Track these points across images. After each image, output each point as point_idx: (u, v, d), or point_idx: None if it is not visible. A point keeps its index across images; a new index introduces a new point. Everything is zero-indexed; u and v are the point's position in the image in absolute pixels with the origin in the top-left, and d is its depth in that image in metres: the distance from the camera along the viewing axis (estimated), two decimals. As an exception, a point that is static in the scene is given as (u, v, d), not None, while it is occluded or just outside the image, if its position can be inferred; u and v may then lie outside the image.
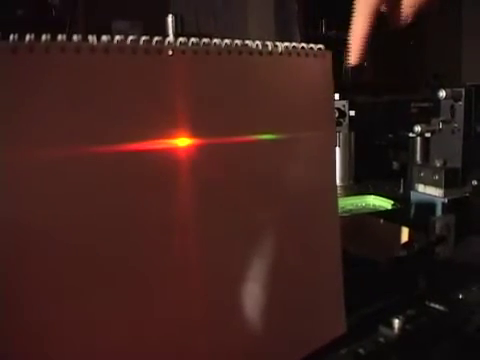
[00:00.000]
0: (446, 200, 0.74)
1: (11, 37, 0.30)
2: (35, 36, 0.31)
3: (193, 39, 0.37)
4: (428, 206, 0.76)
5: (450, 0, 3.51)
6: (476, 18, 3.40)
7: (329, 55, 0.44)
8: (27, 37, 0.31)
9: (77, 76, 0.33)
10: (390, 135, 1.48)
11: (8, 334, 0.31)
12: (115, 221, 0.34)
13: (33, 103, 0.31)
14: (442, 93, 0.77)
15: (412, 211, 0.80)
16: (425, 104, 1.64)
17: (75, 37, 0.32)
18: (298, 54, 0.42)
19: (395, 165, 1.29)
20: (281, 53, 0.41)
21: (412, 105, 1.70)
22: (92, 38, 0.33)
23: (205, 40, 0.37)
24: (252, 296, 0.41)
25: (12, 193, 0.31)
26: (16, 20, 2.52)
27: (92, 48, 0.33)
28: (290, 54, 0.41)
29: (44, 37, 0.31)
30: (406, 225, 0.69)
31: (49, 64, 0.31)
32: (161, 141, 0.35)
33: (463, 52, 3.58)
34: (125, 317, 0.35)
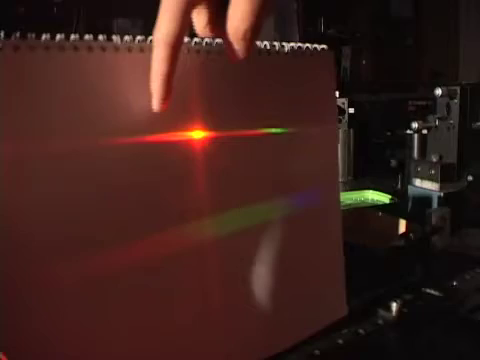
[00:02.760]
0: (442, 194, 0.77)
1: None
2: (51, 36, 0.34)
3: (207, 39, 0.40)
4: (424, 199, 0.79)
5: (448, 0, 3.54)
6: (474, 18, 3.43)
7: (331, 55, 0.47)
8: (57, 36, 0.34)
9: (98, 73, 0.36)
10: (388, 133, 1.51)
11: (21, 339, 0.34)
12: (133, 209, 0.37)
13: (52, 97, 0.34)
14: (438, 91, 0.80)
15: (409, 204, 0.83)
16: (423, 102, 1.67)
17: (101, 37, 0.35)
18: (303, 54, 0.44)
19: (393, 163, 1.32)
20: (287, 53, 0.44)
21: (410, 103, 1.73)
22: (116, 38, 0.36)
23: (218, 40, 0.40)
24: (263, 280, 0.44)
25: (22, 185, 0.33)
26: (18, 18, 2.55)
27: (116, 47, 0.36)
28: (296, 54, 0.44)
29: (72, 37, 0.34)
30: (403, 217, 0.72)
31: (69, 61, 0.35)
32: (177, 133, 0.38)
33: (460, 51, 3.60)
34: (142, 301, 0.38)
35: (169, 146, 0.38)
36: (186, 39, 0.39)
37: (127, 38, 0.37)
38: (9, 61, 0.32)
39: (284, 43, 0.44)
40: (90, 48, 0.35)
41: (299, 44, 0.45)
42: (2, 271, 0.32)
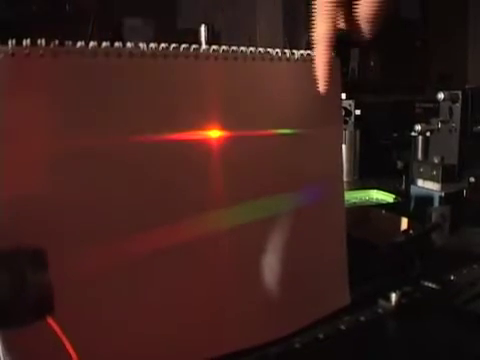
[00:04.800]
0: (443, 194, 0.80)
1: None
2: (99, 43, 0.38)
3: (224, 47, 0.44)
4: (426, 199, 0.82)
5: (457, 1, 3.55)
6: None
7: (338, 61, 0.50)
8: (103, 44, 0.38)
9: (128, 78, 0.40)
10: (395, 134, 1.54)
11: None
12: (155, 200, 0.41)
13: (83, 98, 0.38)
14: (441, 95, 0.84)
15: (412, 203, 0.86)
16: (430, 104, 1.70)
17: (129, 44, 0.39)
18: (311, 60, 0.48)
19: (399, 164, 1.34)
20: (297, 59, 0.47)
21: (417, 105, 1.75)
22: (143, 45, 0.40)
23: (234, 48, 0.44)
24: (271, 270, 0.48)
25: (62, 178, 0.37)
26: (32, 16, 2.59)
27: (143, 53, 0.40)
28: (304, 60, 0.48)
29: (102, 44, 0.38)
30: (406, 216, 0.75)
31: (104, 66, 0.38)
32: (197, 132, 0.42)
33: (469, 53, 3.61)
34: (162, 287, 0.42)
35: (189, 144, 0.42)
36: (204, 46, 0.43)
37: (163, 45, 0.41)
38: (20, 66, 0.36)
39: (294, 51, 0.47)
40: (120, 55, 0.39)
41: (308, 51, 0.48)
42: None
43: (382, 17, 0.44)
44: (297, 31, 2.69)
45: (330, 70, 0.46)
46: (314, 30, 0.45)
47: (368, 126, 1.31)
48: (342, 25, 0.46)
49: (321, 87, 0.46)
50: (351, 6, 0.45)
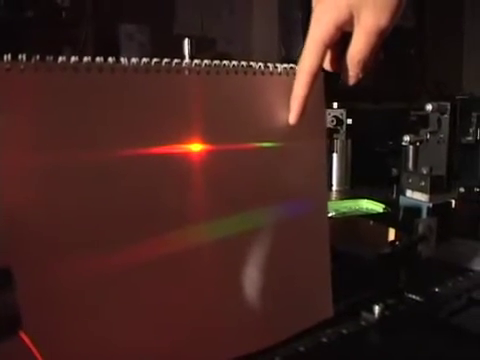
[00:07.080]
0: (431, 205, 0.81)
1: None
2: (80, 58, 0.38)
3: (206, 61, 0.44)
4: (415, 210, 0.82)
5: (451, 8, 3.56)
6: (477, 26, 3.46)
7: (321, 75, 0.51)
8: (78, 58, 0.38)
9: (111, 92, 0.40)
10: (390, 142, 1.54)
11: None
12: (138, 212, 0.41)
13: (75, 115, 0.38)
14: (429, 106, 0.84)
15: (400, 214, 0.86)
16: (424, 113, 1.69)
17: (123, 59, 0.40)
18: (295, 74, 0.48)
19: (394, 172, 1.34)
20: (280, 73, 0.48)
21: (411, 113, 1.75)
22: (124, 60, 0.40)
23: (216, 62, 0.44)
24: (254, 282, 0.48)
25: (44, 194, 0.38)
26: (27, 22, 2.59)
27: (124, 68, 0.40)
28: (288, 74, 0.48)
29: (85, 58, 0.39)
30: (394, 227, 0.75)
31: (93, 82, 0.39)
32: (178, 146, 0.42)
33: (464, 60, 3.62)
34: (144, 301, 0.42)
35: (172, 157, 0.42)
36: (187, 60, 0.43)
37: (144, 60, 0.41)
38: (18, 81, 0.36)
39: (277, 64, 0.48)
40: (101, 69, 0.39)
41: (291, 65, 0.48)
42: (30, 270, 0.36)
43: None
44: (293, 38, 2.70)
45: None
46: (300, 62, 0.46)
47: (362, 134, 1.31)
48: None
49: (291, 118, 0.46)
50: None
